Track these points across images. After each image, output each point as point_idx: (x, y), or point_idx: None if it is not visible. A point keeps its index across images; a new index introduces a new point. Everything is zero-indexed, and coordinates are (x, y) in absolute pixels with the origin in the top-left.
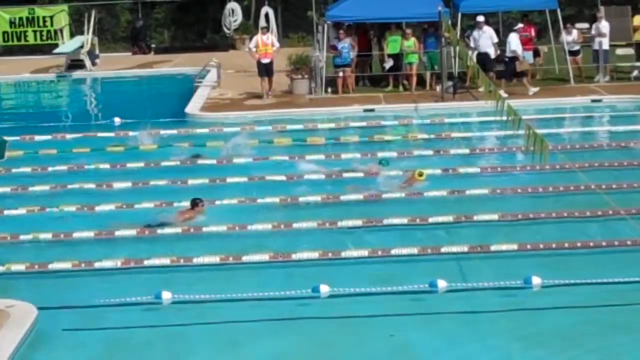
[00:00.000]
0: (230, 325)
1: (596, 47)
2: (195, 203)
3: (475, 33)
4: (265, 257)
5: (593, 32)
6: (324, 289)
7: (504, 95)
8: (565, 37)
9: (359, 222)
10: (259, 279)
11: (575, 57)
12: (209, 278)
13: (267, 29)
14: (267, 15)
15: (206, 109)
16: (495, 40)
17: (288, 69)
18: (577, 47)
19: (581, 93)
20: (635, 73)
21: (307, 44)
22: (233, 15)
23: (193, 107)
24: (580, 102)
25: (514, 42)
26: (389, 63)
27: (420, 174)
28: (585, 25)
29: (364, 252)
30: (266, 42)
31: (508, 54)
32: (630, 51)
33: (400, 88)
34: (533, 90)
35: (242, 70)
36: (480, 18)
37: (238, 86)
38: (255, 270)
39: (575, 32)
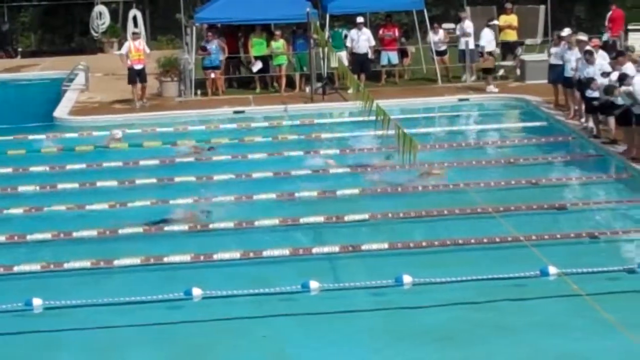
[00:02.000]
0: (103, 330)
1: (462, 47)
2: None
3: (354, 34)
4: (136, 260)
5: (458, 32)
6: (197, 292)
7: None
8: (432, 37)
9: (230, 224)
10: (131, 283)
11: (442, 57)
12: (80, 283)
13: (138, 34)
14: (135, 18)
15: (74, 113)
16: (373, 42)
17: (157, 72)
18: (444, 47)
19: (449, 92)
20: (501, 72)
21: (176, 46)
22: (101, 18)
23: (61, 111)
24: (447, 101)
25: (484, 37)
26: (256, 66)
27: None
28: (452, 25)
29: (236, 254)
30: (138, 47)
31: (481, 49)
32: (496, 51)
33: (270, 89)
34: (492, 89)
35: (110, 74)
36: (360, 19)
37: (107, 89)
38: (127, 274)
39: (442, 32)
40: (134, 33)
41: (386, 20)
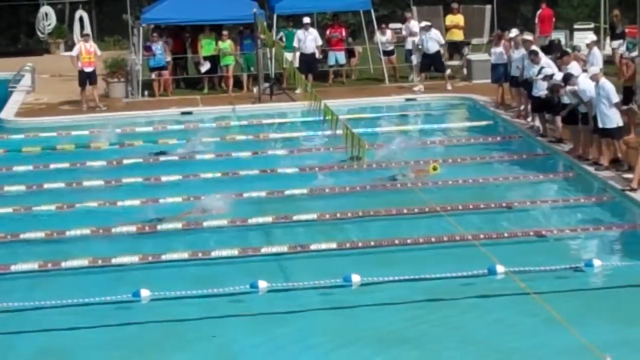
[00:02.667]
0: (51, 333)
1: (409, 46)
2: None
3: (301, 34)
4: (84, 262)
5: (404, 32)
6: (145, 293)
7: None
8: (380, 38)
9: (178, 225)
10: (79, 285)
11: (389, 57)
12: (28, 285)
13: (89, 36)
14: (81, 19)
15: (21, 115)
16: (319, 42)
17: (104, 73)
18: (391, 47)
19: (396, 92)
20: (448, 72)
21: (122, 47)
22: (47, 19)
23: (7, 112)
24: (395, 101)
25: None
26: (205, 66)
27: (435, 168)
28: (399, 25)
29: (185, 255)
30: (89, 50)
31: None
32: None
33: (218, 90)
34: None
35: (57, 75)
36: (307, 19)
37: (54, 91)
38: (75, 276)
39: (389, 33)
40: (85, 35)
41: (333, 20)
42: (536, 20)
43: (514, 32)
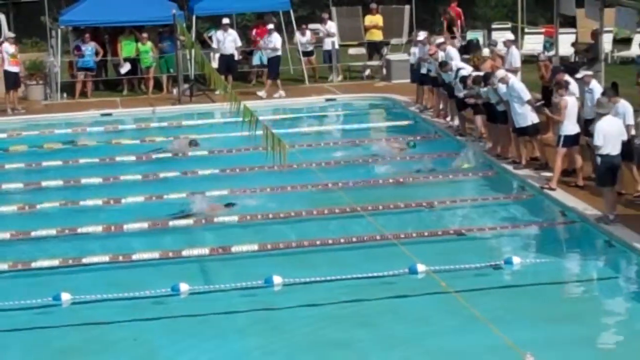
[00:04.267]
0: None
1: (328, 47)
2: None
3: (220, 35)
4: (4, 266)
5: (321, 33)
6: (65, 296)
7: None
8: (300, 38)
9: (99, 228)
10: None
11: (309, 58)
12: None
13: (13, 38)
14: None
15: None
16: (239, 43)
17: (22, 75)
18: (310, 48)
19: (316, 93)
20: (367, 72)
21: (41, 49)
22: None
23: None
24: (315, 101)
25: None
26: (125, 67)
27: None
28: (318, 26)
29: (105, 258)
30: (14, 52)
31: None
32: (362, 51)
33: (138, 91)
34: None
35: None
36: (226, 20)
37: None
38: None
39: (308, 33)
40: (9, 37)
41: (258, 21)
42: (442, 19)
43: (421, 34)
